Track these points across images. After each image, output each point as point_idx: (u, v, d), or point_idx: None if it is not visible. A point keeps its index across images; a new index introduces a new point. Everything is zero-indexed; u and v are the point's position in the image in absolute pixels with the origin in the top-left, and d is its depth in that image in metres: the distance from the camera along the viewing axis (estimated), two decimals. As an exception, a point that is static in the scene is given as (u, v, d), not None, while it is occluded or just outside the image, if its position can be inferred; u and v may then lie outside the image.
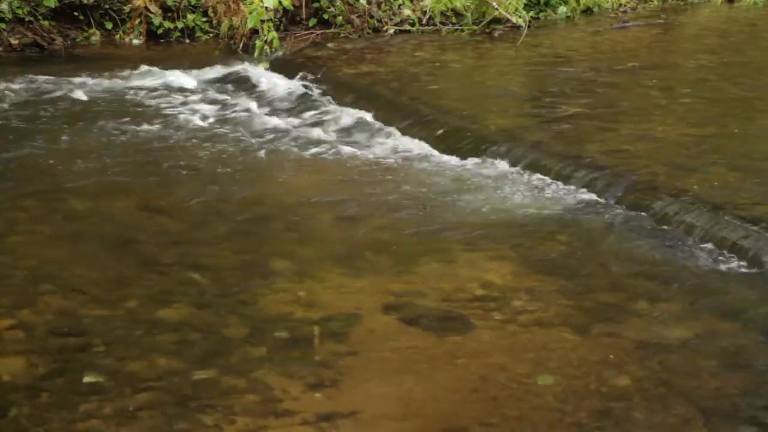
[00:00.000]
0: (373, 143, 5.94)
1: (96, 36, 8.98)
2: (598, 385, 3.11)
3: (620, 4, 11.34)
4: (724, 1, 12.05)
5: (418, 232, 4.44)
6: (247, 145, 5.87)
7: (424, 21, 9.64)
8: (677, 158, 5.26)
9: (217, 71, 7.91)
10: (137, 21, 9.00)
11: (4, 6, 8.40)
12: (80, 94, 6.97)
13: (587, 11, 10.95)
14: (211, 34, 9.24)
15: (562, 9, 10.65)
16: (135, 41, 9.00)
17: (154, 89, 7.27)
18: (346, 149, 5.79)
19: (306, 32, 9.16)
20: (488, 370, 3.21)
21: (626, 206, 4.68)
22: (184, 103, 6.87)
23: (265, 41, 8.10)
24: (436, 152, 5.70)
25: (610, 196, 4.80)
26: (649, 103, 6.60)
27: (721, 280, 3.92)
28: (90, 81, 7.37)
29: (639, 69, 7.72)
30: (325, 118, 6.58)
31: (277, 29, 8.70)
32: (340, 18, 9.30)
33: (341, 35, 9.20)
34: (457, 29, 9.56)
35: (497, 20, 9.57)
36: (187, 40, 9.15)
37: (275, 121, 6.48)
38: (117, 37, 9.02)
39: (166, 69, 7.82)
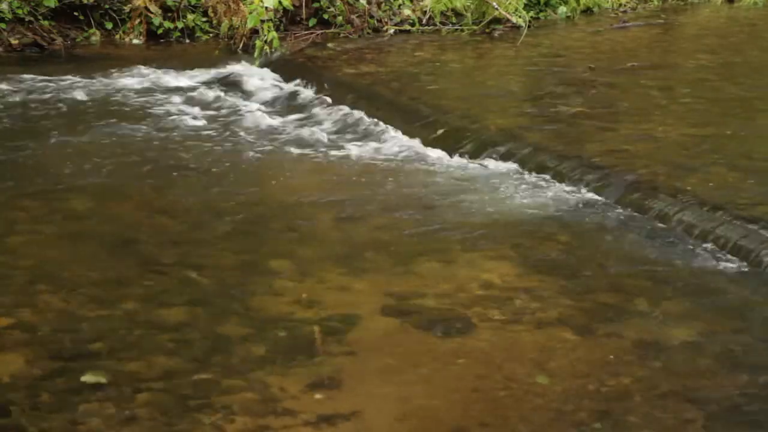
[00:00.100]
0: (373, 143, 5.94)
1: (96, 36, 8.98)
2: (598, 385, 3.11)
3: (620, 4, 11.34)
4: (724, 1, 12.05)
5: (418, 232, 4.44)
6: (248, 145, 5.87)
7: (424, 21, 9.63)
8: (677, 158, 5.26)
9: (216, 71, 7.91)
10: (137, 21, 9.00)
11: (4, 6, 8.40)
12: (80, 94, 6.98)
13: (587, 11, 10.95)
14: (211, 34, 9.24)
15: (562, 9, 10.65)
16: (135, 41, 9.00)
17: (154, 89, 7.27)
18: (346, 149, 5.79)
19: (306, 32, 9.16)
20: (488, 370, 3.22)
21: (626, 206, 4.68)
22: (183, 103, 6.87)
23: (265, 41, 8.09)
24: (436, 152, 5.69)
25: (610, 195, 4.80)
26: (649, 103, 6.60)
27: (721, 280, 3.92)
28: (90, 81, 7.37)
29: (639, 69, 7.72)
30: (325, 118, 6.58)
31: (277, 29, 8.69)
32: (340, 18, 9.30)
33: (341, 35, 9.19)
34: (457, 29, 9.56)
35: (497, 20, 9.57)
36: (187, 40, 9.15)
37: (275, 121, 6.48)
38: (117, 37, 9.02)
39: (166, 69, 7.83)
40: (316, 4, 9.42)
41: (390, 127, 6.17)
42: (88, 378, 3.10)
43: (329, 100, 6.92)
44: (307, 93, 7.21)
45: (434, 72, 7.76)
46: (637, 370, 3.21)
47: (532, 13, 10.09)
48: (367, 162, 5.56)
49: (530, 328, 3.51)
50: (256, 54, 8.04)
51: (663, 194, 4.65)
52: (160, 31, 9.04)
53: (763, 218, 4.25)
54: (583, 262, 4.12)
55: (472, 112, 6.33)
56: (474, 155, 5.56)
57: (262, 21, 8.07)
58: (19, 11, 8.48)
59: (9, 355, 3.25)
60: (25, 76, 7.37)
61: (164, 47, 8.96)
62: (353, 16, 9.35)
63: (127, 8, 9.03)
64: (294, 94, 7.23)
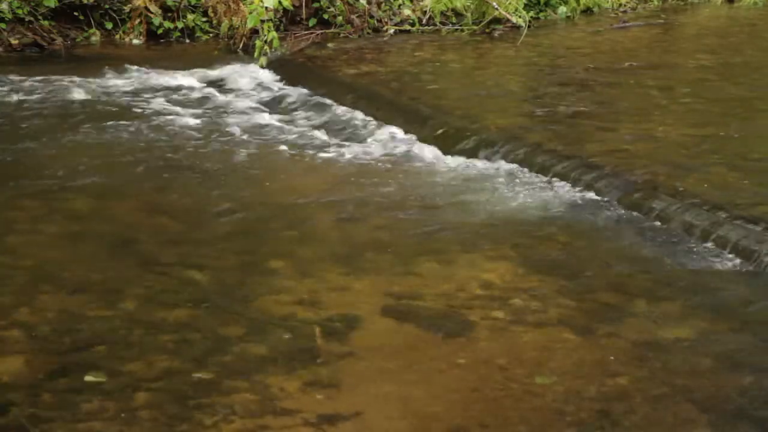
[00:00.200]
0: (373, 143, 5.94)
1: (96, 36, 8.98)
2: (598, 385, 3.11)
3: (620, 4, 11.34)
4: (724, 1, 12.05)
5: (418, 231, 4.44)
6: (247, 144, 5.87)
7: (424, 21, 9.64)
8: (677, 158, 5.26)
9: (216, 71, 7.91)
10: (137, 21, 9.00)
11: (4, 6, 8.40)
12: (80, 94, 6.98)
13: (587, 11, 10.95)
14: (211, 34, 9.24)
15: (562, 9, 10.65)
16: (135, 41, 9.00)
17: (154, 89, 7.27)
18: (346, 149, 5.80)
19: (306, 32, 9.16)
20: (488, 370, 3.21)
21: (626, 206, 4.68)
22: (183, 103, 6.87)
23: (265, 41, 8.09)
24: (436, 152, 5.69)
25: (610, 195, 4.80)
26: (649, 103, 6.60)
27: (721, 280, 3.93)
28: (90, 81, 7.37)
29: (639, 69, 7.72)
30: (325, 117, 6.59)
31: (277, 29, 8.69)
32: (340, 18, 9.30)
33: (341, 35, 9.20)
34: (457, 29, 9.56)
35: (497, 20, 9.57)
36: (187, 40, 9.15)
37: (274, 121, 6.48)
38: (117, 37, 9.02)
39: (166, 69, 7.83)
40: (316, 4, 9.42)
41: (390, 127, 6.17)
42: (88, 378, 3.10)
43: (329, 100, 6.92)
44: (307, 93, 7.21)
45: (434, 72, 7.76)
46: (637, 371, 3.21)
47: (532, 13, 10.10)
48: (366, 162, 5.56)
49: (530, 328, 3.51)
50: (256, 54, 8.04)
51: (663, 194, 4.65)
52: (160, 31, 9.05)
53: (763, 218, 4.25)
54: (583, 262, 4.12)
55: (472, 112, 6.33)
56: (474, 155, 5.56)
57: (262, 21, 8.07)
58: (19, 11, 8.48)
59: (9, 355, 3.25)
60: (25, 76, 7.37)
61: (164, 47, 8.97)
62: (353, 16, 9.35)
63: (127, 8, 9.03)
64: (294, 94, 7.22)
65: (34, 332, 3.40)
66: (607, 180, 4.92)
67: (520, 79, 7.78)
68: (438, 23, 9.65)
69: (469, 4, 9.77)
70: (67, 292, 3.75)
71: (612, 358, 3.29)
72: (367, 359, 3.30)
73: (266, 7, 7.93)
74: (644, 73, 7.57)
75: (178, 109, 6.68)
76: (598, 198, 4.82)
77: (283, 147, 5.84)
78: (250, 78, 7.72)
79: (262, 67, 7.93)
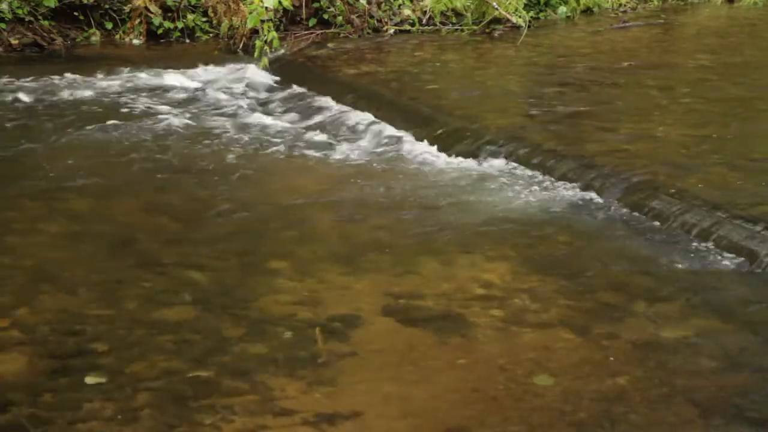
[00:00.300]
0: (373, 143, 5.94)
1: (96, 36, 8.98)
2: (598, 385, 3.11)
3: (620, 4, 11.34)
4: (724, 1, 12.05)
5: (418, 231, 4.44)
6: (247, 144, 5.87)
7: (424, 21, 9.64)
8: (677, 158, 5.26)
9: (216, 71, 7.92)
10: (137, 21, 9.00)
11: (4, 6, 8.40)
12: (80, 94, 6.98)
13: (587, 11, 10.95)
14: (211, 34, 9.24)
15: (562, 9, 10.65)
16: (135, 41, 9.00)
17: (154, 89, 7.28)
18: (345, 149, 5.80)
19: (306, 32, 9.16)
20: (488, 370, 3.21)
21: (626, 206, 4.68)
22: (183, 103, 6.88)
23: (265, 41, 8.09)
24: (435, 152, 5.70)
25: (610, 195, 4.80)
26: (649, 102, 6.60)
27: (721, 280, 3.93)
28: (90, 81, 7.37)
29: (639, 69, 7.72)
30: (325, 117, 6.58)
31: (277, 29, 8.69)
32: (340, 18, 9.30)
33: (341, 35, 9.20)
34: (457, 29, 9.56)
35: (497, 20, 9.57)
36: (187, 40, 9.15)
37: (274, 121, 6.49)
38: (117, 37, 9.02)
39: (166, 69, 7.83)
40: (316, 4, 9.42)
41: (390, 127, 6.17)
42: (88, 379, 3.10)
43: (329, 99, 6.93)
44: (307, 93, 7.21)
45: (434, 72, 7.76)
46: (637, 371, 3.20)
47: (532, 13, 10.09)
48: (366, 162, 5.57)
49: (530, 328, 3.51)
50: (256, 54, 8.03)
51: (663, 194, 4.65)
52: (160, 31, 9.05)
53: (763, 218, 4.25)
54: (583, 261, 4.12)
55: (472, 112, 6.33)
56: (474, 155, 5.55)
57: (262, 21, 8.07)
58: (19, 11, 8.48)
59: (9, 355, 3.25)
60: (25, 76, 7.36)
61: (164, 47, 8.97)
62: (353, 16, 9.35)
63: (127, 8, 9.03)
64: (294, 94, 7.23)
65: (34, 332, 3.40)
66: (607, 180, 4.92)
67: (520, 79, 7.78)
68: (438, 23, 9.64)
69: (469, 4, 9.77)
70: (67, 292, 3.75)
71: (612, 358, 3.29)
72: (367, 359, 3.30)
73: (266, 7, 7.93)
74: (644, 73, 7.57)
75: (177, 109, 6.68)
76: (598, 198, 4.82)
77: (283, 147, 5.84)
78: (250, 78, 7.72)
79: (264, 67, 7.92)
